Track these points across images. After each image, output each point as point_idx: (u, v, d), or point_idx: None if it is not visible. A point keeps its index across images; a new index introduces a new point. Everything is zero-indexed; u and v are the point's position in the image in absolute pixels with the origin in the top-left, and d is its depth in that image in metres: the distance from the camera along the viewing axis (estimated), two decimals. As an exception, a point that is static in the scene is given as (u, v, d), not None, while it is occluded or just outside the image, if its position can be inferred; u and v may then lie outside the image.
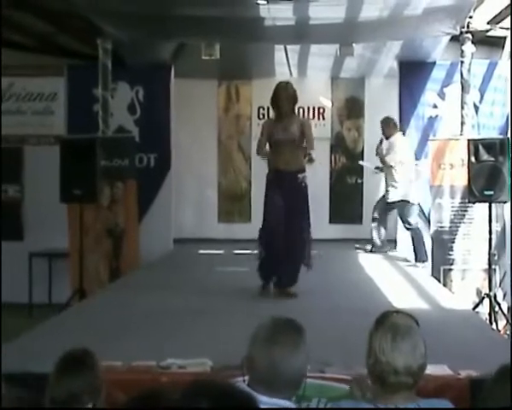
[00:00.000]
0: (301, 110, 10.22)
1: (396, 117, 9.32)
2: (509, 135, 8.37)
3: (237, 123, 10.64)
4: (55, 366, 2.57)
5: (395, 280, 7.26)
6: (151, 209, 9.16)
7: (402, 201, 8.60)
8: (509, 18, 7.86)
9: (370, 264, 8.26)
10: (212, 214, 10.58)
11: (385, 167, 8.86)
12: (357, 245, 9.28)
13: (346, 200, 10.48)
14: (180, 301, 6.00)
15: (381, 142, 8.96)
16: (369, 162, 9.60)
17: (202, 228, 10.35)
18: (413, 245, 8.50)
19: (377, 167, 9.21)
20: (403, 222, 8.69)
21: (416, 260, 8.37)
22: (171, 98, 9.47)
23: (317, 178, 9.72)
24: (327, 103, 10.69)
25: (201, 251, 9.37)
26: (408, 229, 8.61)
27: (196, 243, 9.83)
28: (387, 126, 8.89)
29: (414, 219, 8.59)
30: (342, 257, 8.82)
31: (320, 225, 9.30)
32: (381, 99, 10.14)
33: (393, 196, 8.66)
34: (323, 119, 10.55)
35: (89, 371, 2.55)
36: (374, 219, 8.92)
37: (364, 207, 10.33)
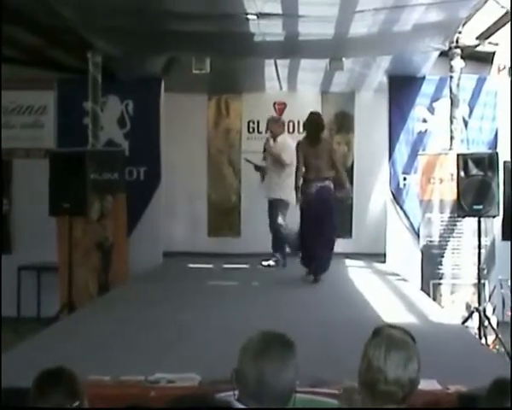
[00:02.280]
0: (291, 124, 10.38)
1: (386, 131, 9.37)
2: (498, 150, 8.38)
3: (227, 137, 10.62)
4: (33, 383, 2.56)
5: (385, 294, 7.25)
6: (140, 223, 9.13)
7: (282, 200, 8.65)
8: (506, 29, 7.78)
9: (360, 278, 8.27)
10: (202, 228, 10.53)
11: (271, 166, 8.88)
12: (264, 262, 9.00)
13: (336, 214, 10.34)
14: (170, 314, 5.97)
15: (267, 140, 9.04)
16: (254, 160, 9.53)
17: (192, 242, 10.30)
18: (277, 245, 8.72)
19: (258, 166, 9.25)
20: (274, 220, 8.73)
21: (278, 263, 8.71)
22: (160, 112, 9.46)
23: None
24: None
25: (191, 265, 9.35)
26: (276, 228, 8.71)
27: (186, 256, 9.81)
28: (277, 126, 9.03)
29: (285, 219, 8.72)
30: (332, 272, 8.62)
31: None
32: (371, 113, 10.16)
33: (279, 195, 8.71)
34: (323, 126, 10.45)
35: (66, 386, 2.52)
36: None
37: (354, 221, 10.34)
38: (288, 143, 8.81)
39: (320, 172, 7.65)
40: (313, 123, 7.88)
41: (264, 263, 8.88)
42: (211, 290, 7.50)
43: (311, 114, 8.04)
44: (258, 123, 10.59)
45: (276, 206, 8.79)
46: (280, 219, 8.74)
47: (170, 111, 9.66)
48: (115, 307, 6.54)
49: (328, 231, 7.70)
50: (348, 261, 9.61)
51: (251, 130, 10.59)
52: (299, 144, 7.84)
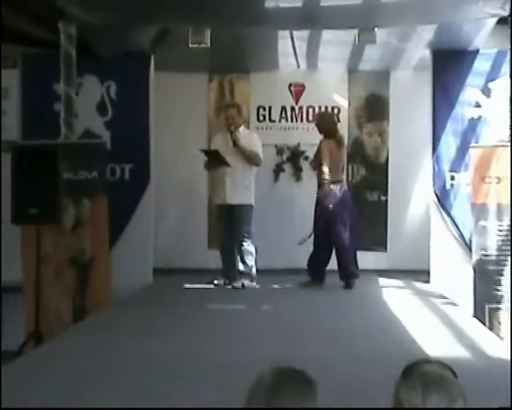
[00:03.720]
0: (310, 110, 10.52)
1: (428, 119, 9.39)
2: None
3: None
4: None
5: (427, 322, 7.22)
6: (126, 233, 9.14)
7: (250, 205, 9.17)
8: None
9: (396, 301, 8.27)
10: (202, 239, 10.59)
11: (236, 162, 9.07)
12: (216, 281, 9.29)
13: (367, 221, 10.43)
14: (160, 346, 5.94)
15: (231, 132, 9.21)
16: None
17: (189, 256, 10.37)
18: (245, 261, 9.06)
19: (212, 154, 9.31)
20: (241, 231, 9.10)
21: (249, 280, 9.02)
22: (150, 96, 9.45)
23: None
24: (342, 102, 10.71)
25: (188, 285, 9.36)
26: (245, 240, 9.07)
27: (182, 274, 9.86)
28: (239, 115, 9.33)
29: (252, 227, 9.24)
30: (361, 292, 8.85)
31: (334, 252, 9.35)
32: (410, 97, 10.23)
33: (244, 199, 9.12)
34: (338, 121, 10.46)
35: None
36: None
37: (389, 231, 10.41)
38: (256, 137, 9.39)
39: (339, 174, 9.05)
40: (332, 121, 9.35)
41: (235, 284, 9.10)
42: (211, 316, 7.48)
43: (326, 113, 9.80)
44: (269, 109, 10.66)
45: (244, 213, 9.17)
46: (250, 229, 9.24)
47: (161, 95, 9.66)
48: (93, 336, 6.49)
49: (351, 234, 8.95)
50: (382, 280, 9.65)
51: (261, 118, 10.68)
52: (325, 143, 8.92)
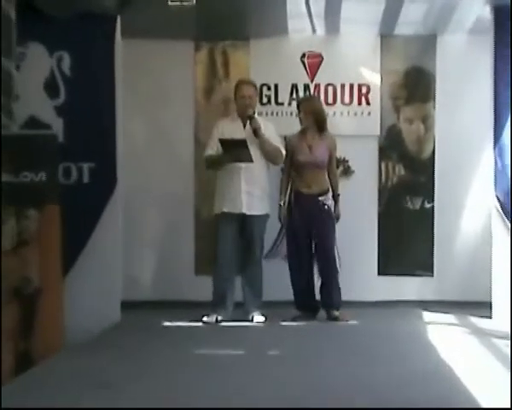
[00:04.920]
0: (330, 89, 10.62)
1: (488, 99, 9.36)
2: None
3: (226, 111, 10.56)
4: None
5: (490, 371, 7.11)
6: (85, 254, 9.11)
7: (267, 215, 9.69)
8: None
9: (447, 343, 8.24)
10: (187, 262, 10.67)
11: (257, 161, 9.44)
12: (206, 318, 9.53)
13: (406, 237, 10.56)
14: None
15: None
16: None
17: (170, 284, 10.47)
18: (256, 287, 9.56)
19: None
20: (255, 249, 9.54)
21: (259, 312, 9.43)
22: (116, 72, 9.42)
23: (358, 202, 10.06)
24: (373, 78, 10.74)
25: (168, 322, 9.42)
26: (259, 260, 9.56)
27: (160, 308, 10.01)
28: (257, 95, 9.91)
29: None
30: (399, 331, 8.80)
31: (363, 277, 9.77)
32: (464, 70, 10.35)
33: (262, 208, 9.61)
34: (367, 103, 10.64)
35: None
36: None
37: (437, 249, 10.43)
38: (272, 128, 9.84)
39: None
40: (322, 110, 9.91)
41: (205, 319, 9.42)
42: (199, 365, 7.36)
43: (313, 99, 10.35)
44: (275, 89, 10.71)
45: (261, 225, 9.64)
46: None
47: (132, 70, 9.83)
48: (40, 392, 6.40)
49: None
50: (428, 315, 9.69)
51: (264, 100, 10.71)
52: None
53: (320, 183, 9.61)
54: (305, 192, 9.55)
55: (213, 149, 9.50)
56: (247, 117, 9.44)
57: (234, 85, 9.88)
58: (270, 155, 9.47)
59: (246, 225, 9.46)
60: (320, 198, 9.50)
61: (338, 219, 9.54)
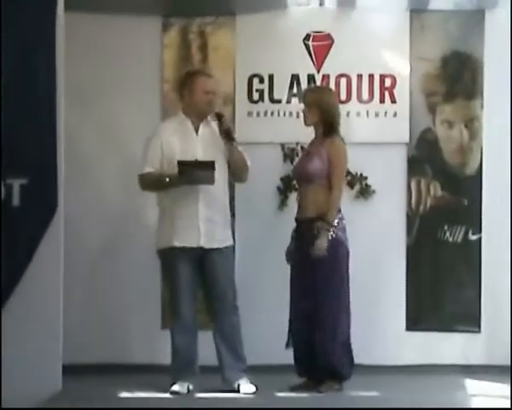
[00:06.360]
0: (343, 81, 10.22)
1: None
2: None
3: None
4: None
5: None
6: (13, 303, 8.45)
7: (232, 247, 9.23)
8: None
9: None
10: (151, 313, 10.27)
11: (220, 178, 8.98)
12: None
13: (444, 279, 10.17)
14: None
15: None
16: None
17: (129, 344, 10.22)
18: (238, 348, 9.01)
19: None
20: (227, 294, 8.97)
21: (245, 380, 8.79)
22: (57, 56, 8.71)
23: (379, 232, 9.98)
24: (400, 67, 10.27)
25: (125, 393, 8.94)
26: (235, 310, 9.04)
27: (115, 374, 9.61)
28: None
29: None
30: (439, 406, 8.12)
31: (386, 334, 9.95)
32: None
33: (226, 239, 9.06)
34: (392, 101, 10.24)
35: None
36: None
37: (485, 296, 9.95)
38: None
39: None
40: (335, 103, 9.13)
41: (175, 388, 8.89)
42: None
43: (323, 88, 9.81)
44: (270, 81, 10.32)
45: (228, 262, 9.20)
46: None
47: (80, 54, 9.65)
48: None
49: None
50: (473, 384, 9.17)
51: (255, 96, 10.31)
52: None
53: (317, 203, 8.83)
54: (298, 217, 8.93)
55: (154, 165, 8.93)
56: (214, 116, 8.88)
57: (183, 76, 9.40)
58: (238, 165, 8.88)
59: (206, 263, 8.85)
60: (318, 224, 8.75)
61: (319, 253, 8.64)
